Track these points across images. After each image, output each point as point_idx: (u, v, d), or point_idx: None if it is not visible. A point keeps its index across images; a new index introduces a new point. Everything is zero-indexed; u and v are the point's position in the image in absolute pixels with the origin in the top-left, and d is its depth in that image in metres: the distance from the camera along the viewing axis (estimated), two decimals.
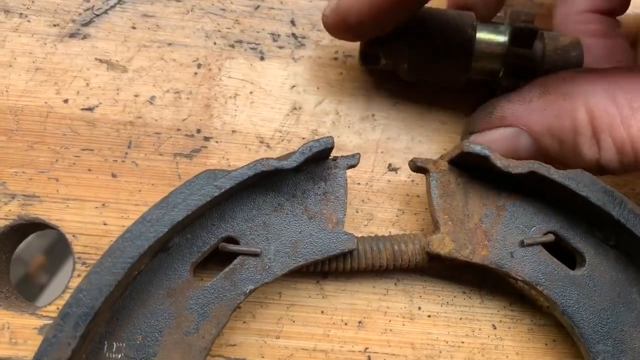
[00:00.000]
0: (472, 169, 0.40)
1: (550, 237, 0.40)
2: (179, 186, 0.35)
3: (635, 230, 0.37)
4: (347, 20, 0.38)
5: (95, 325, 0.34)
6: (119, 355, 0.36)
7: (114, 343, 0.36)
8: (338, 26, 0.39)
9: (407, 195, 0.44)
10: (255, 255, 0.38)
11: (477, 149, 0.37)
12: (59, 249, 1.05)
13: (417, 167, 0.40)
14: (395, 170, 0.44)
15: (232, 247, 0.37)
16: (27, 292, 1.02)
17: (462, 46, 0.41)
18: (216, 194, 0.35)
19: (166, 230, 0.34)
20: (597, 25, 0.43)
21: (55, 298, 0.40)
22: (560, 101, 0.37)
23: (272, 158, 0.36)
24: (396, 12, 0.37)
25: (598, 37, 0.43)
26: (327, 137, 0.37)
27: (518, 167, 0.37)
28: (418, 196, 0.44)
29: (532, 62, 0.41)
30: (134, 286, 0.36)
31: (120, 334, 0.36)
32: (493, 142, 0.39)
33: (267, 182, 0.38)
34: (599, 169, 0.38)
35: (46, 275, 1.04)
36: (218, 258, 0.38)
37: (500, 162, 0.37)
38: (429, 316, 0.42)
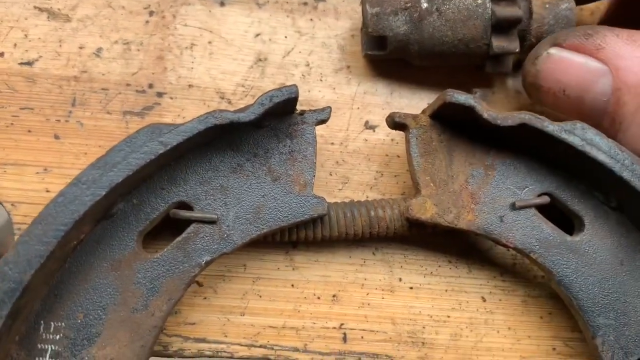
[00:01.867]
0: (456, 124, 0.36)
1: (545, 199, 0.35)
2: (118, 143, 0.31)
3: None
4: None
5: (27, 302, 0.30)
6: (58, 336, 0.31)
7: (52, 322, 0.31)
8: None
9: (386, 155, 0.40)
10: (211, 222, 0.33)
11: (462, 98, 0.33)
12: None
13: (395, 122, 0.36)
14: (372, 128, 0.40)
15: (185, 214, 0.33)
16: None
17: (478, 14, 0.36)
18: (161, 151, 0.31)
19: (104, 193, 0.30)
20: None
21: None
22: None
23: (228, 110, 0.32)
24: None
25: None
26: (290, 85, 0.32)
27: (507, 119, 0.33)
28: (398, 156, 0.40)
29: (518, 20, 0.36)
30: (74, 258, 0.32)
31: (58, 312, 0.32)
32: (571, 66, 0.34)
33: (224, 140, 0.34)
34: None
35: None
36: (170, 226, 0.34)
37: (487, 113, 0.33)
38: (411, 288, 0.38)
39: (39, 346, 0.31)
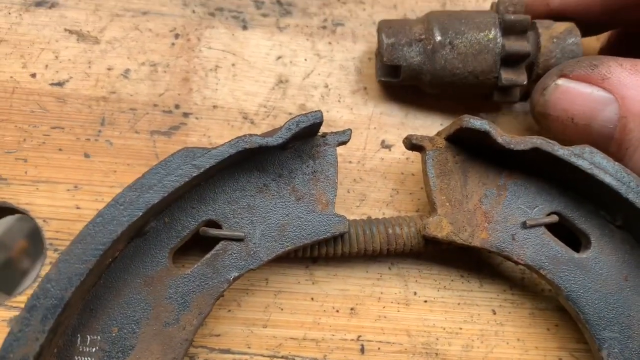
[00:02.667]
0: (470, 146, 0.37)
1: (554, 218, 0.37)
2: (154, 166, 0.32)
3: None
4: (549, 1, 0.38)
5: (66, 317, 0.32)
6: (94, 349, 0.33)
7: (88, 336, 0.33)
8: (535, 6, 0.39)
9: (402, 173, 0.41)
10: (239, 240, 0.35)
11: (477, 123, 0.35)
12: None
13: (412, 144, 0.37)
14: (388, 147, 0.42)
15: (214, 232, 0.35)
16: (10, 277, 0.99)
17: (489, 48, 0.38)
18: (195, 174, 0.32)
19: (140, 213, 0.32)
20: None
21: (26, 287, 0.38)
22: None
23: (256, 134, 0.33)
24: (605, 7, 0.37)
25: None
26: (316, 111, 0.34)
27: (520, 143, 0.35)
28: (413, 175, 0.41)
29: (526, 55, 0.38)
30: (108, 274, 0.34)
31: (94, 326, 0.33)
32: (578, 95, 0.36)
33: (251, 161, 0.36)
34: None
35: (28, 259, 1.01)
36: (199, 243, 0.35)
37: (501, 138, 0.35)
38: (425, 301, 0.40)
39: (76, 358, 0.33)
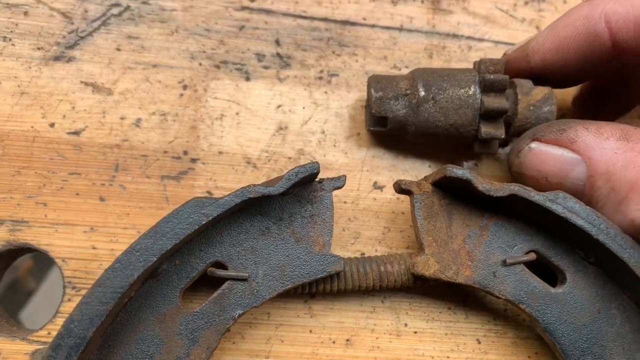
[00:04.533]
0: (455, 190, 0.41)
1: (532, 256, 0.41)
2: (167, 215, 0.35)
3: (613, 249, 0.38)
4: (529, 58, 0.41)
5: (87, 354, 0.35)
6: None
7: None
8: (517, 61, 0.42)
9: (393, 212, 0.45)
10: (243, 280, 0.38)
11: (459, 173, 0.38)
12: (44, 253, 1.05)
13: (401, 189, 0.41)
14: (380, 188, 0.45)
15: (220, 273, 0.38)
16: (17, 298, 1.02)
17: (469, 104, 0.41)
18: (204, 222, 0.36)
19: (155, 259, 0.35)
20: None
21: (47, 323, 0.41)
22: (634, 153, 0.37)
23: (259, 185, 0.37)
24: (581, 65, 0.40)
25: None
26: (313, 162, 0.37)
27: (499, 190, 0.38)
28: (403, 213, 0.45)
29: (504, 111, 0.41)
30: (125, 313, 0.37)
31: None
32: (550, 157, 0.39)
33: (254, 206, 0.39)
34: (634, 230, 0.37)
35: (34, 279, 1.04)
36: (207, 281, 0.39)
37: (481, 185, 0.38)
38: (415, 332, 0.43)
39: None
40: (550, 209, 0.38)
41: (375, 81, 0.42)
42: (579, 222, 0.38)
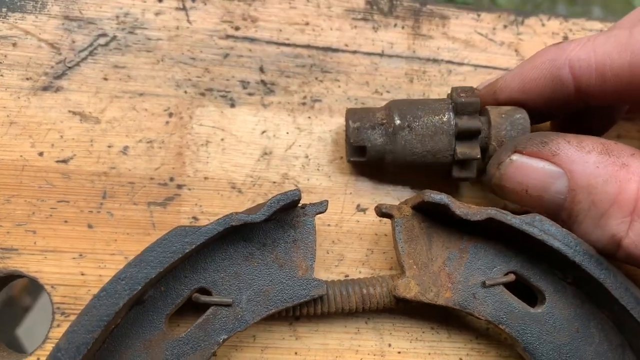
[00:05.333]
0: (434, 214, 0.42)
1: (511, 277, 0.42)
2: (151, 244, 0.36)
3: (589, 270, 0.39)
4: (497, 96, 0.43)
5: None
6: None
7: None
8: (486, 97, 0.44)
9: (376, 234, 0.46)
10: (227, 305, 0.39)
11: (437, 197, 0.39)
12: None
13: (382, 213, 0.42)
14: (363, 210, 0.46)
15: (205, 299, 0.39)
16: (12, 315, 1.03)
17: (444, 130, 0.42)
18: (187, 250, 0.37)
19: (140, 287, 0.36)
20: None
21: (36, 348, 0.42)
22: (616, 167, 0.37)
23: (241, 212, 0.38)
24: (546, 105, 0.42)
25: None
26: (295, 190, 0.38)
27: (476, 214, 0.39)
28: (386, 235, 0.46)
29: (478, 131, 0.42)
30: (111, 339, 0.38)
31: None
32: (531, 170, 0.39)
33: (237, 233, 0.40)
34: (613, 245, 0.38)
35: (29, 297, 1.04)
36: (193, 306, 0.39)
37: (459, 210, 0.39)
38: (399, 352, 0.44)
39: None
40: (527, 232, 0.39)
41: (352, 113, 0.43)
42: (556, 244, 0.39)
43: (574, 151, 0.39)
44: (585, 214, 0.38)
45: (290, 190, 0.38)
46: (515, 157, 0.40)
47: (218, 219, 0.37)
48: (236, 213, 0.38)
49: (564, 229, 0.40)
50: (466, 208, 0.39)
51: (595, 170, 0.37)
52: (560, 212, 0.40)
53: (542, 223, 0.40)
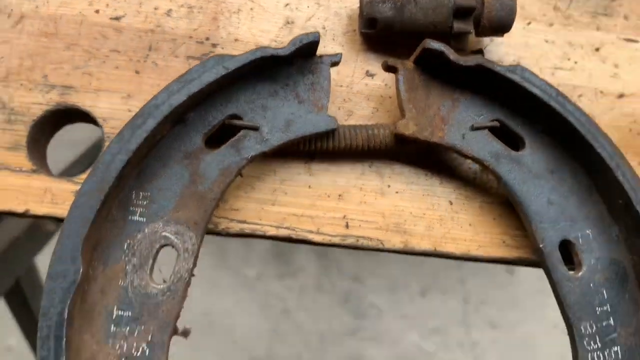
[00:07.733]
0: (433, 68, 0.49)
1: (496, 123, 0.49)
2: (194, 65, 0.44)
3: (562, 113, 0.46)
4: None
5: (128, 174, 0.43)
6: (145, 202, 0.44)
7: (141, 192, 0.44)
8: None
9: (381, 96, 0.53)
10: (255, 129, 0.46)
11: (436, 45, 0.46)
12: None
13: (388, 66, 0.49)
14: (372, 75, 0.53)
15: (237, 122, 0.46)
16: (36, 239, 1.09)
17: (444, 4, 0.49)
18: (224, 73, 0.44)
19: (184, 99, 0.43)
20: None
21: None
22: None
23: (270, 47, 0.45)
24: None
25: None
26: (315, 32, 0.46)
27: (468, 61, 0.46)
28: (390, 97, 0.53)
29: (472, 8, 0.49)
30: (157, 149, 0.45)
31: (145, 186, 0.44)
32: None
33: (265, 73, 0.47)
34: None
35: (52, 222, 1.11)
36: (226, 136, 0.46)
37: (453, 56, 0.46)
38: (397, 192, 0.51)
39: (131, 209, 0.44)
40: (510, 79, 0.47)
41: None
42: (534, 90, 0.47)
43: None
44: None
45: (311, 32, 0.46)
46: None
47: (250, 50, 0.45)
48: (265, 47, 0.45)
49: (543, 79, 0.47)
50: (459, 57, 0.46)
51: None
52: None
53: (523, 71, 0.47)
